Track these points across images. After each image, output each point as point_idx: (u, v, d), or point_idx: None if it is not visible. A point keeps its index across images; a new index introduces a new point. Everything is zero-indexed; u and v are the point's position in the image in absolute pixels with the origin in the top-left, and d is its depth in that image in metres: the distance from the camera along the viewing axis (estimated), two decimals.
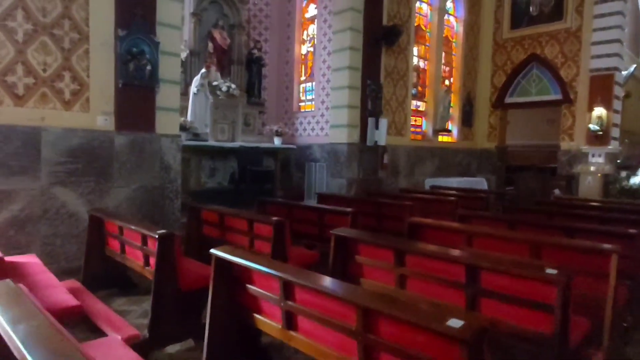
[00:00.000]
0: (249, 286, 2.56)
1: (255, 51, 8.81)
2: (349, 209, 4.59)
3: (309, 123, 9.36)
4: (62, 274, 4.68)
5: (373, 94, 8.17)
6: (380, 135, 8.31)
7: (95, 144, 5.07)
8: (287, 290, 2.30)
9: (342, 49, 7.97)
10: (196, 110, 7.39)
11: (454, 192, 7.55)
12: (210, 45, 8.13)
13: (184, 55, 7.78)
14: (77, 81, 4.94)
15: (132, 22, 5.17)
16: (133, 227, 3.52)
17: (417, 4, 9.40)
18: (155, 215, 5.54)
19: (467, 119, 10.96)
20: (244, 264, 2.47)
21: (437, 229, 4.01)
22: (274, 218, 3.89)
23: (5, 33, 4.47)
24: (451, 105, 10.60)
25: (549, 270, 2.42)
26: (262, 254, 3.63)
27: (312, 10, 9.40)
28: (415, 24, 9.40)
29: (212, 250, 2.63)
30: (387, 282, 3.22)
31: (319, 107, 9.03)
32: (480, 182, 10.18)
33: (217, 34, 8.17)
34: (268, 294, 2.44)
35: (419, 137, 9.96)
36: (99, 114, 5.10)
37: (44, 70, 4.72)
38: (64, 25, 4.82)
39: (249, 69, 8.86)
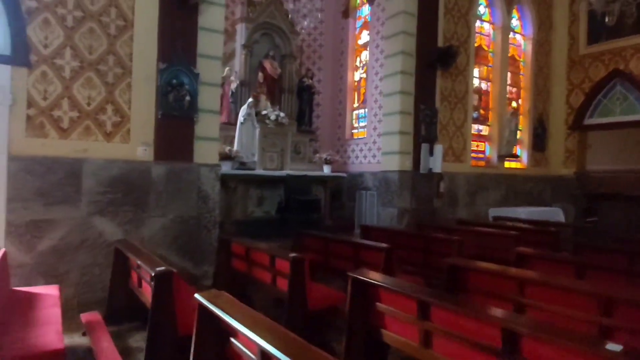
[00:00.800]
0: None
1: (305, 80, 8.74)
2: (383, 245, 4.11)
3: (361, 150, 9.01)
4: (96, 304, 4.74)
5: (427, 118, 7.66)
6: (435, 162, 7.72)
7: (134, 174, 5.15)
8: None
9: (394, 74, 7.60)
10: (242, 139, 7.39)
11: (520, 224, 6.71)
12: (260, 75, 8.20)
13: (234, 85, 7.91)
14: (119, 113, 5.09)
15: (172, 55, 5.28)
16: (145, 262, 3.38)
17: (478, 24, 8.81)
18: (191, 245, 5.46)
19: (538, 143, 9.93)
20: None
21: (482, 272, 3.41)
22: (292, 254, 3.56)
23: (54, 70, 4.73)
24: (519, 128, 9.70)
25: (611, 347, 1.81)
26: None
27: (364, 37, 9.20)
28: (476, 44, 8.79)
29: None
30: (410, 337, 2.72)
31: (371, 134, 8.67)
32: (555, 213, 9.05)
33: (267, 64, 8.23)
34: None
35: (481, 163, 9.16)
36: (138, 145, 5.19)
37: (88, 104, 4.92)
38: (109, 61, 5.02)
39: (300, 98, 8.80)
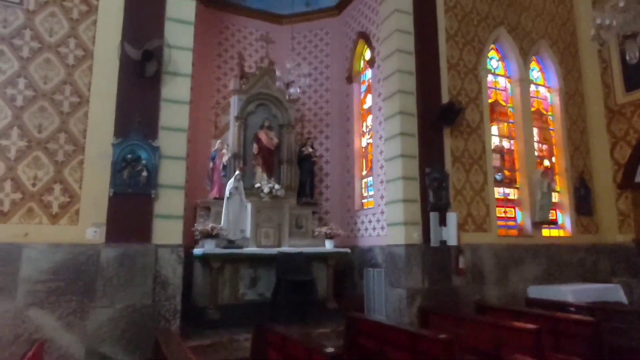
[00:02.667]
0: None
1: (305, 149, 8.24)
2: (330, 350, 3.12)
3: (370, 222, 8.12)
4: None
5: (434, 183, 6.73)
6: (449, 233, 6.64)
7: (81, 259, 4.63)
8: None
9: (394, 136, 6.90)
10: (230, 215, 6.82)
11: (557, 312, 5.36)
12: (255, 146, 7.82)
13: (225, 158, 7.54)
14: (67, 193, 4.72)
15: (129, 129, 4.95)
16: None
17: (490, 78, 8.07)
18: (144, 339, 4.68)
19: (583, 205, 8.52)
20: None
21: None
22: (329, 350, 2.79)
23: None
24: (556, 190, 8.43)
25: None
26: None
27: (369, 101, 8.73)
28: (491, 100, 7.98)
29: None
30: None
31: (378, 203, 7.83)
32: (613, 291, 7.40)
33: (262, 135, 7.87)
34: None
35: (513, 232, 7.88)
36: (88, 226, 4.74)
37: (34, 185, 4.60)
38: (60, 139, 4.76)
39: (301, 167, 8.25)
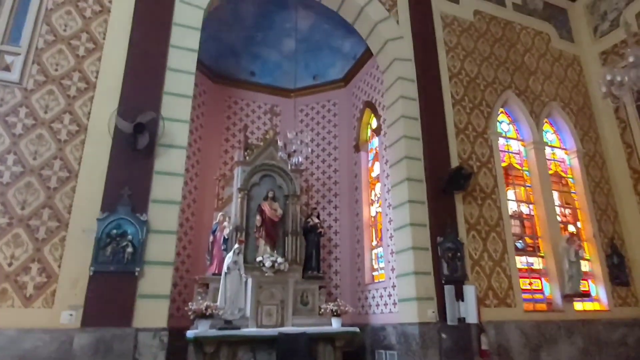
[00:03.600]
0: None
1: (310, 220, 7.87)
2: None
3: (381, 297, 7.47)
4: None
5: (448, 253, 6.20)
6: (468, 308, 5.96)
7: (52, 347, 4.21)
8: None
9: (402, 204, 6.53)
10: (226, 292, 6.34)
11: None
12: (258, 218, 7.51)
13: (227, 232, 7.22)
14: (45, 273, 4.42)
15: (117, 203, 4.74)
16: None
17: (502, 141, 7.76)
18: None
19: (618, 275, 7.70)
20: None
21: None
22: None
23: None
24: (586, 258, 7.70)
25: None
26: None
27: (377, 169, 8.46)
28: (504, 164, 7.61)
29: None
30: None
31: (389, 276, 7.24)
32: None
33: (265, 207, 7.58)
34: None
35: (541, 306, 7.08)
36: (64, 309, 4.37)
37: (10, 265, 4.34)
38: (43, 215, 4.57)
39: (307, 239, 7.83)
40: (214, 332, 5.94)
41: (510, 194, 7.61)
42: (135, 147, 4.89)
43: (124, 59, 5.31)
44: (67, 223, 4.63)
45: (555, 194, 7.96)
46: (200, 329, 5.93)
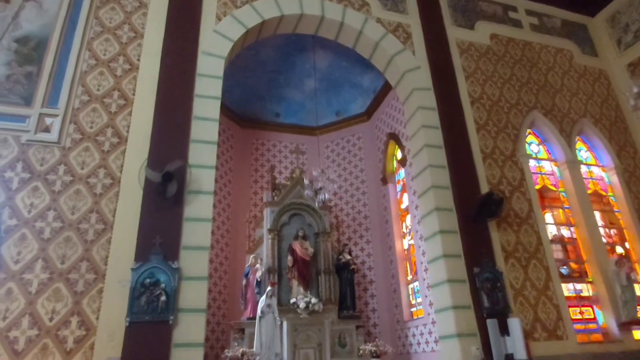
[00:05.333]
0: None
1: (342, 257, 7.77)
2: None
3: (421, 334, 7.18)
4: None
5: (487, 284, 5.92)
6: (515, 344, 5.59)
7: None
8: None
9: (433, 235, 6.35)
10: (262, 337, 6.24)
11: None
12: (290, 258, 7.49)
13: (259, 274, 7.21)
14: (84, 326, 4.49)
15: (149, 252, 4.83)
16: None
17: (533, 163, 7.53)
18: None
19: None
20: None
21: None
22: None
23: (20, 286, 4.46)
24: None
25: None
26: None
27: (405, 200, 8.35)
28: (538, 186, 7.34)
29: None
30: None
31: (428, 311, 6.97)
32: None
33: (296, 246, 7.58)
34: None
35: (596, 337, 6.58)
36: None
37: (51, 319, 4.43)
38: (81, 268, 4.70)
39: (340, 277, 7.70)
40: None
41: (548, 217, 7.29)
42: (164, 196, 5.02)
43: (152, 111, 5.56)
44: (104, 274, 4.73)
45: (597, 214, 7.56)
46: None
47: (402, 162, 8.31)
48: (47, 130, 5.18)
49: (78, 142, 5.27)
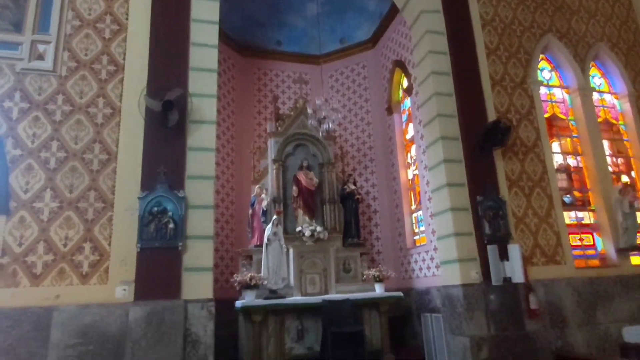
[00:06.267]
0: None
1: (347, 186, 7.82)
2: None
3: (423, 260, 7.41)
4: None
5: (489, 212, 5.99)
6: (514, 267, 5.79)
7: (110, 320, 4.47)
8: None
9: (437, 164, 6.33)
10: (269, 263, 6.48)
11: None
12: (295, 188, 7.55)
13: (265, 204, 7.32)
14: (97, 251, 4.66)
15: (155, 181, 4.88)
16: None
17: (543, 90, 7.30)
18: None
19: None
20: None
21: None
22: None
23: (32, 214, 4.57)
24: None
25: None
26: None
27: (411, 130, 8.23)
28: (547, 114, 7.17)
29: None
30: None
31: (430, 239, 7.14)
32: None
33: (301, 176, 7.61)
34: None
35: (593, 262, 6.78)
36: (117, 285, 4.60)
37: (65, 245, 4.59)
38: (90, 197, 4.77)
39: (345, 207, 7.82)
40: (260, 302, 6.14)
41: (555, 146, 7.20)
42: (166, 126, 4.96)
43: (147, 37, 5.33)
44: (112, 203, 4.81)
45: (606, 143, 7.45)
46: (247, 299, 6.14)
47: (408, 91, 8.08)
48: (40, 57, 5.02)
49: (74, 71, 5.12)
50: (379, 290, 6.83)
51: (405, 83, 8.35)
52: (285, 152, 7.80)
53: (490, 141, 6.04)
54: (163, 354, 4.45)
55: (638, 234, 6.79)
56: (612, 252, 6.80)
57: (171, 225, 4.78)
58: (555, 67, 7.58)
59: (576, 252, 6.66)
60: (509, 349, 5.51)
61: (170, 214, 4.81)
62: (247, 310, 6.06)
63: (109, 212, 4.79)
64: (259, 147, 8.51)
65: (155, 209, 4.79)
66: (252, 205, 7.42)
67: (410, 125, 8.24)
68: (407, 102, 8.39)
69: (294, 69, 9.89)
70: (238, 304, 6.17)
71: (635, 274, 6.69)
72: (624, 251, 6.73)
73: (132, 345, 4.42)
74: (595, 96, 7.65)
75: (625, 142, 7.69)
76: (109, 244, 4.71)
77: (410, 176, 8.31)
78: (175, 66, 5.35)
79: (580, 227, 6.92)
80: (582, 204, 7.11)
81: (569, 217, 6.85)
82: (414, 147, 8.06)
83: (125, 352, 4.40)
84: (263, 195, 7.37)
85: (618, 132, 7.73)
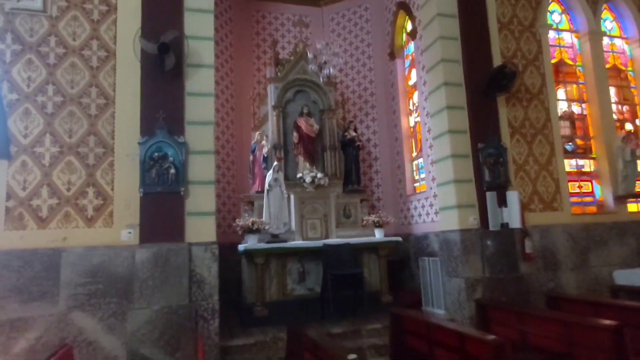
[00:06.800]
0: None
1: (347, 133, 7.78)
2: (353, 357, 2.72)
3: (422, 207, 7.52)
4: None
5: (490, 159, 5.99)
6: (511, 213, 5.89)
7: (117, 261, 4.62)
8: None
9: (440, 110, 6.25)
10: (270, 208, 6.59)
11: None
12: (295, 135, 7.51)
13: (265, 150, 7.32)
14: (101, 196, 4.72)
15: (154, 127, 4.85)
16: None
17: (552, 34, 7.05)
18: (183, 340, 4.59)
19: None
20: None
21: None
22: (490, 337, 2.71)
23: (33, 159, 4.59)
24: None
25: None
26: None
27: (414, 76, 8.05)
28: (554, 60, 6.98)
29: None
30: None
31: (431, 186, 7.20)
32: None
33: (302, 122, 7.54)
34: None
35: (590, 209, 6.88)
36: (122, 228, 4.71)
37: (68, 189, 4.64)
38: (90, 142, 4.77)
39: (345, 153, 7.82)
40: (262, 245, 6.30)
41: (561, 93, 7.08)
42: (163, 69, 4.85)
43: None
44: (112, 148, 4.81)
45: (612, 90, 7.31)
46: (249, 243, 6.30)
47: (412, 35, 7.81)
48: None
49: (65, 11, 4.93)
50: (378, 235, 6.99)
51: (409, 26, 8.06)
52: (285, 99, 7.68)
53: (494, 87, 5.93)
54: (170, 293, 4.64)
55: (637, 182, 6.84)
56: (609, 200, 6.89)
57: (172, 171, 4.81)
58: (566, 10, 7.28)
59: (574, 199, 6.74)
60: (502, 290, 5.73)
61: (171, 159, 4.82)
62: (250, 254, 6.24)
63: (109, 157, 4.81)
64: (258, 93, 8.37)
65: (156, 154, 4.79)
66: (253, 151, 7.42)
67: (413, 71, 8.05)
68: (411, 46, 8.14)
69: (294, 12, 9.51)
70: (241, 247, 6.34)
71: (630, 220, 6.81)
72: (622, 198, 6.81)
73: (140, 285, 4.59)
74: (605, 41, 7.41)
75: (632, 90, 7.54)
76: (112, 189, 4.76)
77: (412, 123, 8.24)
78: (170, 6, 5.14)
79: (580, 175, 6.96)
80: (584, 152, 7.10)
81: (569, 164, 6.88)
82: (416, 94, 7.92)
83: (134, 290, 4.58)
84: (263, 142, 7.35)
85: (626, 78, 7.57)
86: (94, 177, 4.73)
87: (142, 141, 4.77)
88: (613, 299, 5.14)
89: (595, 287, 6.26)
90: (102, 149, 4.79)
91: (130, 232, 4.71)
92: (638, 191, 6.86)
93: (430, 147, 7.06)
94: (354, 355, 2.66)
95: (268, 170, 6.99)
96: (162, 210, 4.79)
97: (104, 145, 4.80)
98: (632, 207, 7.01)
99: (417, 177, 8.05)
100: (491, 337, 3.00)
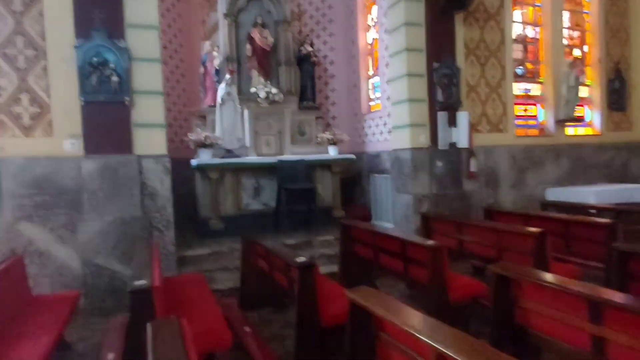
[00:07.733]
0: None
1: (303, 48, 7.49)
2: (302, 260, 2.89)
3: (377, 126, 7.62)
4: None
5: (444, 80, 6.05)
6: (460, 134, 6.12)
7: (63, 173, 4.44)
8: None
9: (397, 27, 6.10)
10: (223, 123, 6.43)
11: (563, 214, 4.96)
12: (248, 47, 7.14)
13: (217, 62, 6.96)
14: (36, 103, 4.39)
15: (90, 29, 4.42)
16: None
17: None
18: (137, 250, 4.62)
19: (616, 100, 7.68)
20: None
21: None
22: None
23: None
24: (586, 83, 7.58)
25: None
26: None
27: None
28: None
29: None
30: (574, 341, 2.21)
31: (385, 105, 7.23)
32: None
33: (255, 34, 7.14)
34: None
35: (533, 132, 7.26)
36: (65, 138, 4.47)
37: (0, 95, 4.27)
38: (17, 43, 4.31)
39: (301, 69, 7.60)
40: (216, 160, 6.23)
41: (517, 15, 7.06)
42: None
43: None
44: (45, 51, 4.39)
45: (566, 15, 7.39)
46: (203, 158, 6.21)
47: None
48: None
49: None
50: (332, 152, 7.09)
51: None
52: (238, 6, 7.16)
53: (453, 3, 5.80)
54: (122, 205, 4.59)
55: (577, 107, 7.22)
56: (551, 123, 7.27)
57: (115, 78, 4.50)
58: None
59: (519, 122, 7.06)
60: (446, 204, 6.11)
61: (112, 66, 4.48)
62: (204, 169, 6.19)
63: (42, 60, 4.40)
64: None
65: (95, 59, 4.43)
66: (204, 63, 7.04)
67: None
68: None
69: None
70: (194, 162, 6.25)
71: (567, 143, 7.29)
72: (562, 122, 7.21)
73: (89, 197, 4.49)
74: None
75: (584, 15, 7.64)
76: (49, 96, 4.43)
77: (369, 40, 8.02)
78: None
79: (527, 99, 7.22)
80: (532, 76, 7.31)
81: (518, 88, 7.08)
82: (375, 8, 7.62)
83: (83, 202, 4.49)
84: (215, 53, 6.96)
85: (581, 3, 7.62)
86: (27, 83, 4.36)
87: (78, 45, 4.36)
88: (542, 212, 5.64)
89: (529, 204, 6.82)
90: (33, 51, 4.36)
91: (73, 143, 4.49)
92: (577, 116, 7.27)
93: (387, 65, 6.97)
94: (303, 258, 2.81)
95: (220, 84, 6.70)
96: (106, 121, 4.55)
97: (35, 48, 4.37)
98: (569, 130, 7.45)
99: (372, 96, 8.04)
100: (430, 242, 3.26)
